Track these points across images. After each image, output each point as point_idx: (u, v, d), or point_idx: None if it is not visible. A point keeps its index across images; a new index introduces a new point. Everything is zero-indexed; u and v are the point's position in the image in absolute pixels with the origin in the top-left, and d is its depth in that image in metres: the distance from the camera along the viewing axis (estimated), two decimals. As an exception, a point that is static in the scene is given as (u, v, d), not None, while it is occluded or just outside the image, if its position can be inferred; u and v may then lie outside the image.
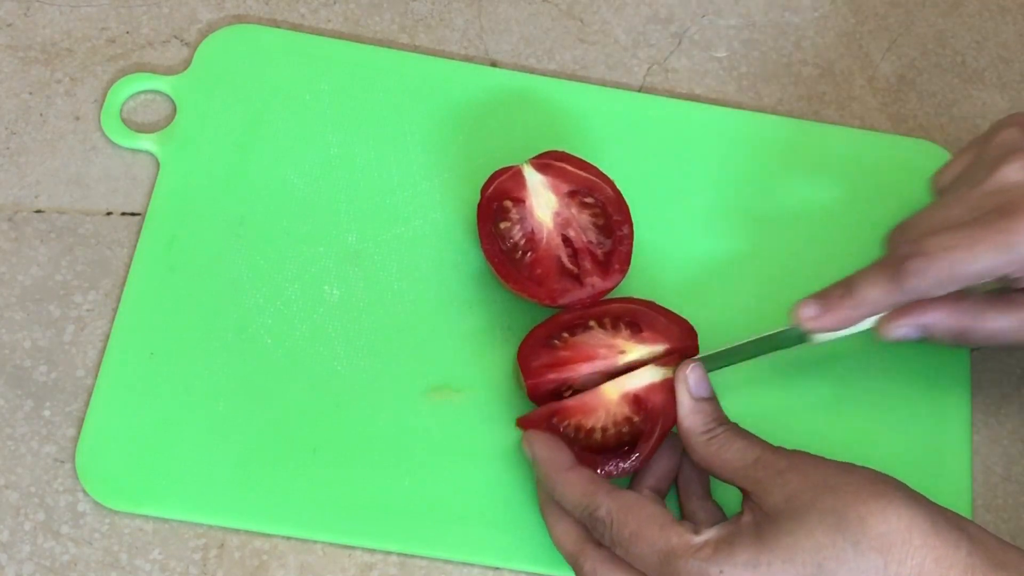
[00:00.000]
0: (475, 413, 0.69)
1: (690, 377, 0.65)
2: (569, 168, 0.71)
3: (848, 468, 0.59)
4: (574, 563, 0.62)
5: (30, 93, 0.77)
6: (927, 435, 0.70)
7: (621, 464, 0.64)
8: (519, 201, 0.70)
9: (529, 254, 0.69)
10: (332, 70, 0.78)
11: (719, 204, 0.75)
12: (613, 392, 0.66)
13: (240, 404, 0.69)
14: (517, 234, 0.70)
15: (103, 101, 0.77)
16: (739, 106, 0.79)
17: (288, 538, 0.66)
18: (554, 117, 0.77)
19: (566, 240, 0.70)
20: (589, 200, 0.71)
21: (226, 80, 0.77)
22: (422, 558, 0.66)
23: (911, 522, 0.55)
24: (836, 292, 0.65)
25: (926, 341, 0.66)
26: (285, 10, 0.80)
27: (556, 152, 0.71)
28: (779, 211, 0.76)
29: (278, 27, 0.80)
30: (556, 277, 0.69)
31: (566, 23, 0.82)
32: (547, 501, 0.64)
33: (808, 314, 0.65)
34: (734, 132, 0.78)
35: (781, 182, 0.76)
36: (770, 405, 0.70)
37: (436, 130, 0.76)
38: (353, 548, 0.66)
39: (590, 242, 0.70)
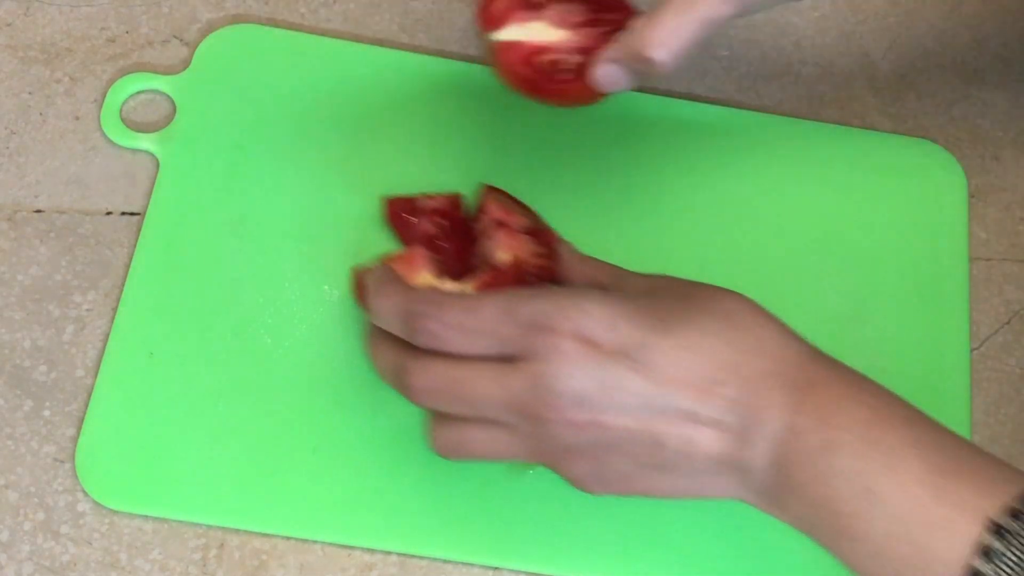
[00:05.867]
0: (475, 413, 0.69)
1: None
2: None
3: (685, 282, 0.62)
4: (398, 367, 0.61)
5: (30, 93, 0.77)
6: (927, 435, 0.70)
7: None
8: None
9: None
10: (332, 70, 0.78)
11: (719, 203, 0.75)
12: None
13: (240, 404, 0.69)
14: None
15: (103, 101, 0.77)
16: (739, 106, 0.79)
17: (288, 538, 0.66)
18: (554, 117, 0.77)
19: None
20: None
21: (226, 80, 0.77)
22: (422, 558, 0.66)
23: (757, 309, 0.59)
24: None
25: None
26: (285, 10, 0.80)
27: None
28: (779, 211, 0.76)
29: (278, 27, 0.80)
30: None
31: (566, 23, 0.82)
32: (370, 331, 0.64)
33: None
34: (734, 132, 0.78)
35: (781, 182, 0.76)
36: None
37: (436, 130, 0.76)
38: (353, 548, 0.66)
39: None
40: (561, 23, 0.69)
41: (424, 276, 0.67)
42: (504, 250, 0.69)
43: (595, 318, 0.57)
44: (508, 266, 0.68)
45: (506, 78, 0.68)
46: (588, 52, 0.67)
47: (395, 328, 0.61)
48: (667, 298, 0.59)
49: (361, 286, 0.66)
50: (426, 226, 0.71)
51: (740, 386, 0.56)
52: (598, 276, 0.66)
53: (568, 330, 0.56)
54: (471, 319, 0.58)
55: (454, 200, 0.72)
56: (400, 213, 0.72)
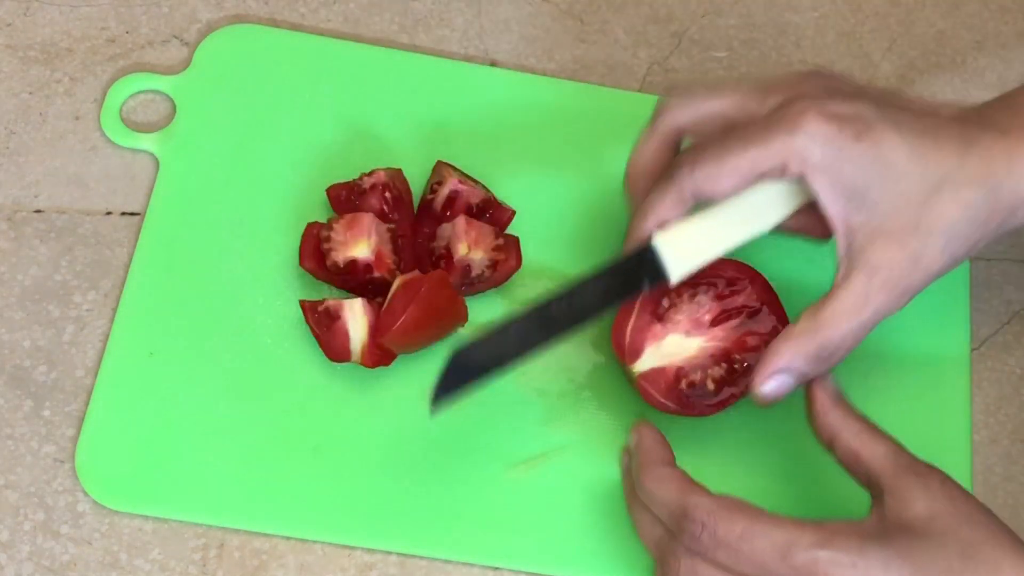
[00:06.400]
0: (474, 412, 0.69)
1: (829, 384, 0.64)
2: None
3: (985, 509, 0.58)
4: (664, 548, 0.60)
5: (30, 93, 0.77)
6: (927, 435, 0.70)
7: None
8: None
9: None
10: (332, 70, 0.78)
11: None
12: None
13: (240, 404, 0.68)
14: None
15: (103, 101, 0.77)
16: (739, 106, 0.79)
17: (288, 538, 0.66)
18: (554, 117, 0.77)
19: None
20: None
21: (226, 80, 0.77)
22: (422, 558, 0.66)
23: None
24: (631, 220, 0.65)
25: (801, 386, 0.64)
26: (285, 10, 0.80)
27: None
28: (779, 211, 0.76)
29: (278, 27, 0.80)
30: None
31: (566, 23, 0.82)
32: (632, 494, 0.63)
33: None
34: (734, 132, 0.78)
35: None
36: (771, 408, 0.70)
37: (436, 130, 0.76)
38: (353, 548, 0.66)
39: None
40: (694, 328, 0.68)
41: (366, 243, 0.68)
42: (464, 241, 0.69)
43: None
44: (461, 265, 0.69)
45: (652, 405, 0.67)
46: (729, 358, 0.67)
47: (662, 515, 0.60)
48: (949, 553, 0.56)
49: (634, 449, 0.64)
50: (372, 202, 0.71)
51: None
52: (873, 461, 0.60)
53: None
54: (745, 545, 0.57)
55: (393, 173, 0.72)
56: (341, 197, 0.72)
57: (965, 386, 0.72)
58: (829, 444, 0.62)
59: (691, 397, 0.67)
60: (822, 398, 0.63)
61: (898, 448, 0.60)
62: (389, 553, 0.66)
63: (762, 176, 0.62)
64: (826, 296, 0.63)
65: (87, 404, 0.68)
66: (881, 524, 0.57)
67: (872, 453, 0.60)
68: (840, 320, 0.62)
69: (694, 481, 0.60)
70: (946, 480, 0.59)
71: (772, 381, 0.63)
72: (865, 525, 0.57)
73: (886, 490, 0.59)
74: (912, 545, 0.56)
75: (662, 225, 0.64)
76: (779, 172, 0.61)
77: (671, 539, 0.59)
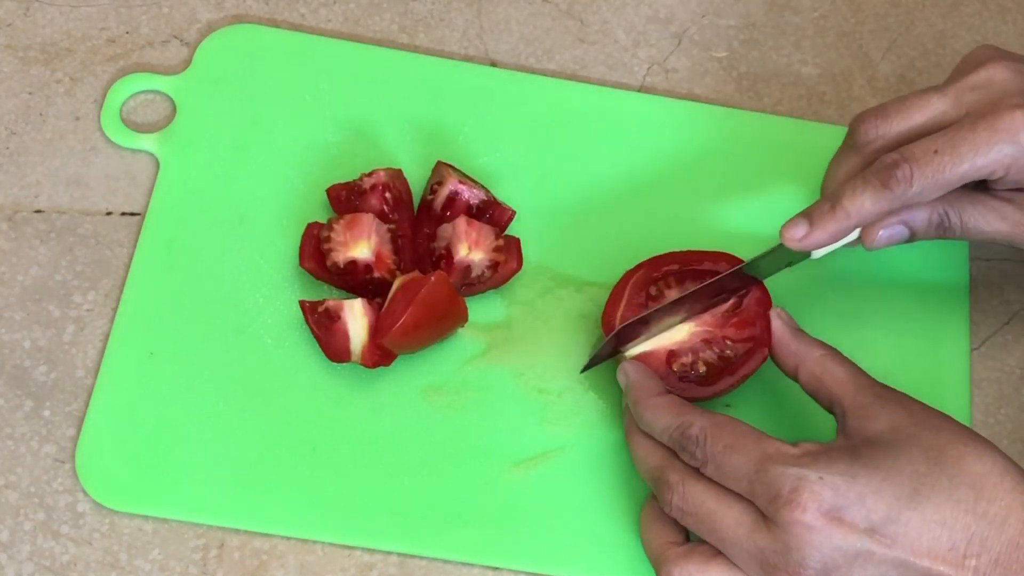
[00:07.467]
0: (474, 412, 0.69)
1: (783, 313, 0.67)
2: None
3: (945, 415, 0.61)
4: (658, 477, 0.62)
5: (30, 93, 0.77)
6: (927, 435, 0.70)
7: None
8: None
9: None
10: (332, 70, 0.78)
11: (719, 204, 0.75)
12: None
13: (240, 404, 0.68)
14: None
15: (103, 101, 0.77)
16: (739, 106, 0.79)
17: (288, 538, 0.66)
18: (554, 117, 0.77)
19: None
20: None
21: (226, 80, 0.77)
22: (422, 558, 0.66)
23: (1004, 469, 0.58)
24: (823, 207, 0.65)
25: (911, 240, 0.66)
26: (285, 10, 0.80)
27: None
28: (779, 211, 0.76)
29: (278, 27, 0.80)
30: None
31: (566, 23, 0.82)
32: (632, 426, 0.65)
33: (796, 234, 0.65)
34: (734, 132, 0.78)
35: (781, 182, 0.76)
36: (777, 405, 0.70)
37: (436, 130, 0.76)
38: (353, 548, 0.66)
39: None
40: (683, 315, 0.68)
41: (366, 244, 0.68)
42: (464, 242, 0.69)
43: (842, 493, 0.57)
44: (461, 265, 0.69)
45: None
46: (720, 343, 0.68)
47: (663, 438, 0.63)
48: (914, 457, 0.58)
49: (628, 384, 0.66)
50: (372, 203, 0.71)
51: (989, 559, 0.56)
52: (835, 384, 0.63)
53: (814, 506, 0.57)
54: (727, 459, 0.59)
55: (394, 173, 0.72)
56: (341, 197, 0.72)
57: (965, 386, 0.72)
58: (793, 372, 0.66)
59: (684, 380, 0.67)
60: (781, 330, 0.66)
61: (858, 371, 0.64)
62: (389, 553, 0.66)
63: (965, 182, 0.63)
64: None
65: (87, 404, 0.68)
66: (847, 442, 0.60)
67: (833, 377, 0.64)
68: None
69: (688, 403, 0.63)
70: (902, 396, 0.62)
71: (886, 232, 0.66)
72: (834, 445, 0.60)
73: (847, 410, 0.62)
74: (877, 455, 0.58)
75: (862, 224, 0.65)
76: (986, 178, 0.63)
77: (668, 461, 0.62)
